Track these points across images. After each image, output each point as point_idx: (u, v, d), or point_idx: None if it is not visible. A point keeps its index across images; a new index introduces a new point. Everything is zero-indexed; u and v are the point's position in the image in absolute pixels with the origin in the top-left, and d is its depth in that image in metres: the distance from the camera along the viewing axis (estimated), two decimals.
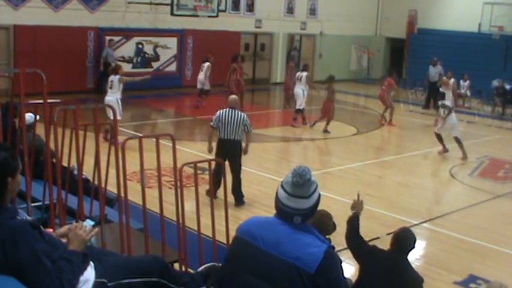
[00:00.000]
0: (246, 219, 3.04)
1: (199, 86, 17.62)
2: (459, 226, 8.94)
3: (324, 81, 15.28)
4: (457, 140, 13.41)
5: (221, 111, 8.96)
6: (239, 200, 9.00)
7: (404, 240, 4.90)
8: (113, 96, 12.01)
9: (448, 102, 14.12)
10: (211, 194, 5.30)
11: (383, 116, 17.26)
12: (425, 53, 24.26)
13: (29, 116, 6.21)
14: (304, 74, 16.00)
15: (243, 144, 9.15)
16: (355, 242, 5.03)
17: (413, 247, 4.96)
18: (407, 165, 12.89)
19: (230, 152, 8.83)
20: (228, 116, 8.85)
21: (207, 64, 17.40)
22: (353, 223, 5.06)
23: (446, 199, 10.52)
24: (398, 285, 4.76)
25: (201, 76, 17.48)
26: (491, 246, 8.23)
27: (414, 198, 10.47)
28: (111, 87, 12.25)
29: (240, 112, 9.01)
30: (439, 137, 13.58)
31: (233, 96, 9.42)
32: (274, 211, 2.91)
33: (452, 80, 18.15)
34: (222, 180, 5.40)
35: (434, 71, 20.27)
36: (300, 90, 15.85)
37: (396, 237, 4.94)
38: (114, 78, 12.23)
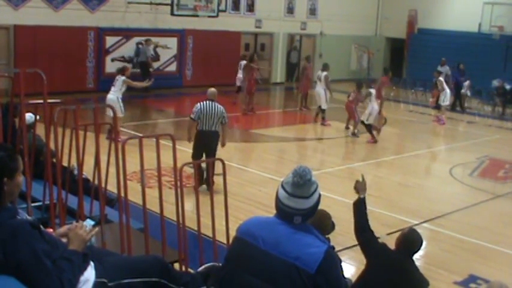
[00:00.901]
0: (246, 219, 3.03)
1: (239, 83, 18.10)
2: (459, 226, 8.94)
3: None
4: (368, 127, 14.30)
5: (201, 103, 9.23)
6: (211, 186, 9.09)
7: (411, 242, 4.84)
8: (114, 95, 12.38)
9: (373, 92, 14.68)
10: (211, 189, 5.26)
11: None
12: (426, 53, 24.30)
13: (29, 116, 6.21)
14: (324, 74, 16.15)
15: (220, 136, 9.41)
16: (365, 237, 4.96)
17: (419, 249, 4.93)
18: (407, 165, 12.88)
19: (209, 142, 9.12)
20: (209, 108, 9.16)
21: (245, 62, 17.52)
22: (360, 210, 4.96)
23: (446, 199, 10.51)
24: (403, 286, 4.73)
25: (241, 75, 17.76)
26: (491, 246, 8.23)
27: (414, 198, 10.46)
28: (114, 85, 12.55)
29: (218, 104, 9.31)
30: (365, 125, 14.28)
31: (212, 89, 9.55)
32: (274, 211, 2.90)
33: (440, 78, 18.22)
34: (221, 179, 5.38)
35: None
36: (322, 90, 16.08)
37: (403, 238, 4.86)
38: (119, 78, 12.53)
